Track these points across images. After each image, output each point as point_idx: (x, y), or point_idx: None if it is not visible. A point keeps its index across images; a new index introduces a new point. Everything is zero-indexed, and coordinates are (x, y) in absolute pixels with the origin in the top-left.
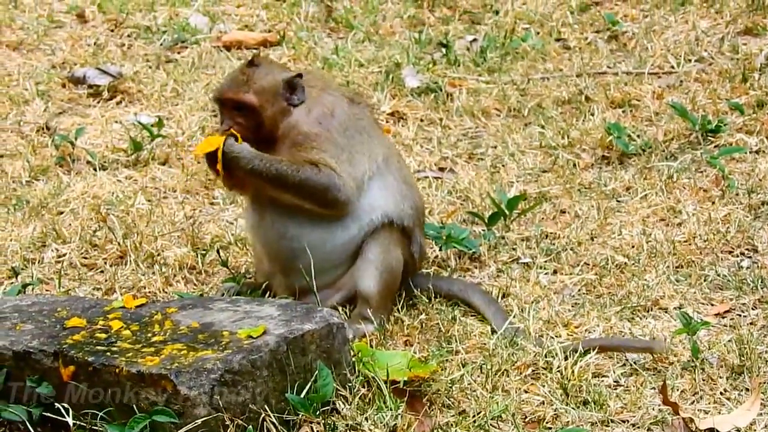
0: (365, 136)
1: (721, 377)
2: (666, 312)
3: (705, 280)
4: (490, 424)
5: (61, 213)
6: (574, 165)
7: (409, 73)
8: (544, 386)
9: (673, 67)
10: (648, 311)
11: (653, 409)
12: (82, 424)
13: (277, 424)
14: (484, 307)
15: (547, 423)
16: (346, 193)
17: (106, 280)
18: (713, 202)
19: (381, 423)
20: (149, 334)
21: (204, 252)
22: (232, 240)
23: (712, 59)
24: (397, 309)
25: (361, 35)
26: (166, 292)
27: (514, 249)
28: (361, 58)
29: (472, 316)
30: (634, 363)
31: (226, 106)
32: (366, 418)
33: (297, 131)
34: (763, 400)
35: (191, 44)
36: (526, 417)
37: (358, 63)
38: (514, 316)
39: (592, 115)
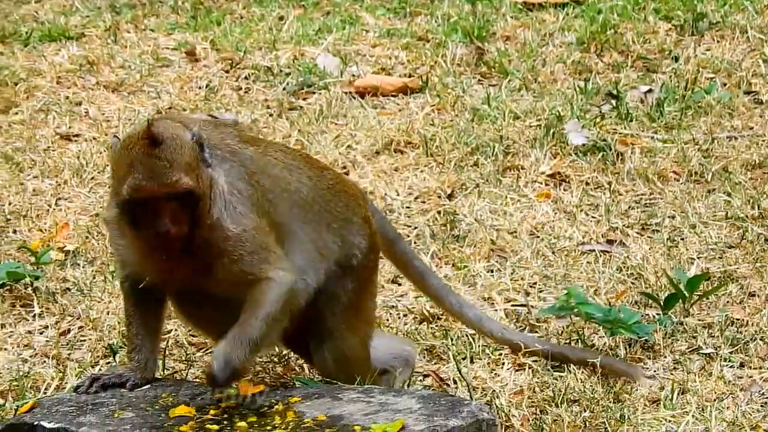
0: None
1: None
2: None
3: None
4: None
5: None
6: (766, 240)
7: (572, 128)
8: None
9: None
10: None
11: None
12: None
13: None
14: None
15: None
16: None
17: None
18: None
19: None
20: (268, 427)
21: None
22: None
23: None
24: None
25: (517, 83)
26: (288, 378)
27: (693, 337)
28: (517, 109)
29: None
30: None
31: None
32: None
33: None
34: None
35: (319, 89)
36: None
37: (514, 115)
38: (692, 416)
39: None
